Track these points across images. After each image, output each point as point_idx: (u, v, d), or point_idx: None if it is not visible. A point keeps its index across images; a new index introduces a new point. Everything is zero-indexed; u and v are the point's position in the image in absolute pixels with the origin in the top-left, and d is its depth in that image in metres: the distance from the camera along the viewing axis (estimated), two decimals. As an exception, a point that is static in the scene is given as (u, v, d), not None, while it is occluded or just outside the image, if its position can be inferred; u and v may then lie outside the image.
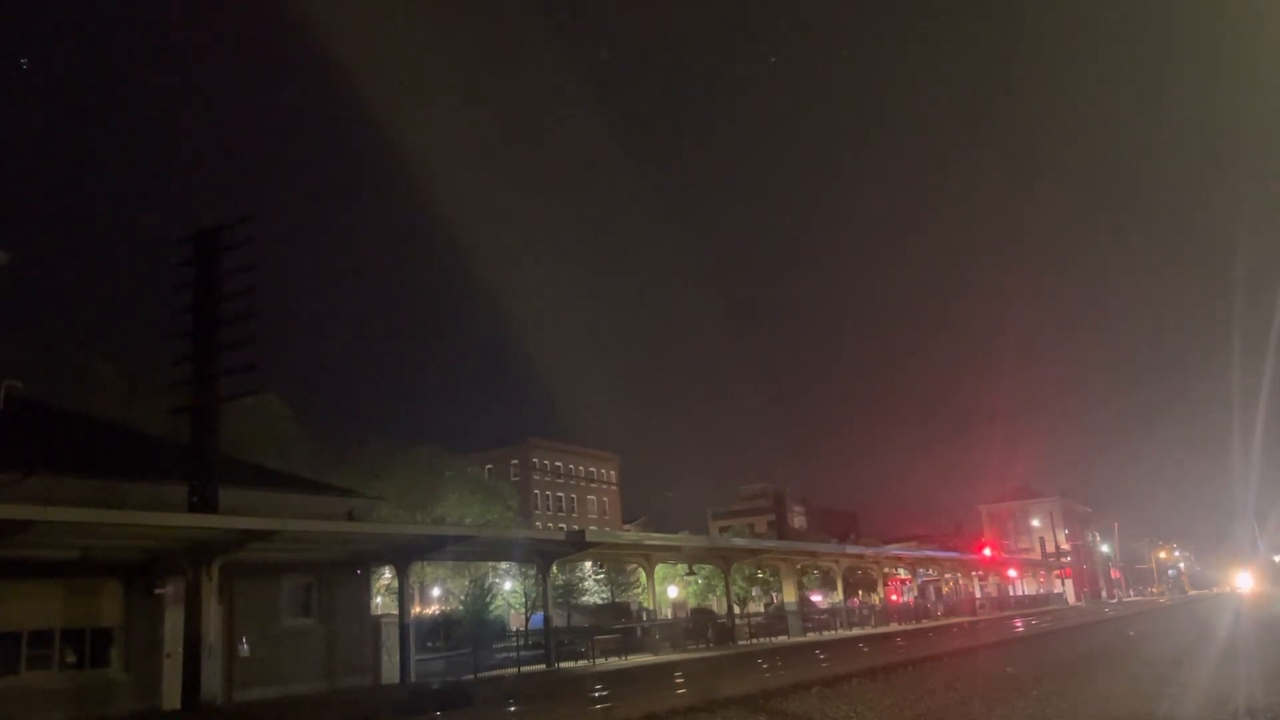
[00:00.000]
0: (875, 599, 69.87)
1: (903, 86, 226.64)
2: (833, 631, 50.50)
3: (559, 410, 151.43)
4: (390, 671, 29.33)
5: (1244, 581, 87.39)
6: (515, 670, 31.24)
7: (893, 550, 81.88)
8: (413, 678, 29.05)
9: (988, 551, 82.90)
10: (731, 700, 20.10)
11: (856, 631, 51.00)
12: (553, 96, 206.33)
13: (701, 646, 40.69)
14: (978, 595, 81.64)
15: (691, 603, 64.68)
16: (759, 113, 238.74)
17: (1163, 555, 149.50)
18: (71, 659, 22.39)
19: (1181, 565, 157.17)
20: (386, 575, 42.90)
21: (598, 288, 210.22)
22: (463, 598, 54.60)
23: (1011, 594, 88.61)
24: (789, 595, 56.92)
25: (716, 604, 63.36)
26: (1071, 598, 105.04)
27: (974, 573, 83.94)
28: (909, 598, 75.46)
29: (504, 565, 53.00)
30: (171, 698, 23.00)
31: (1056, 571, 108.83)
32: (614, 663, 33.37)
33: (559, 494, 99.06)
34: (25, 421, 26.25)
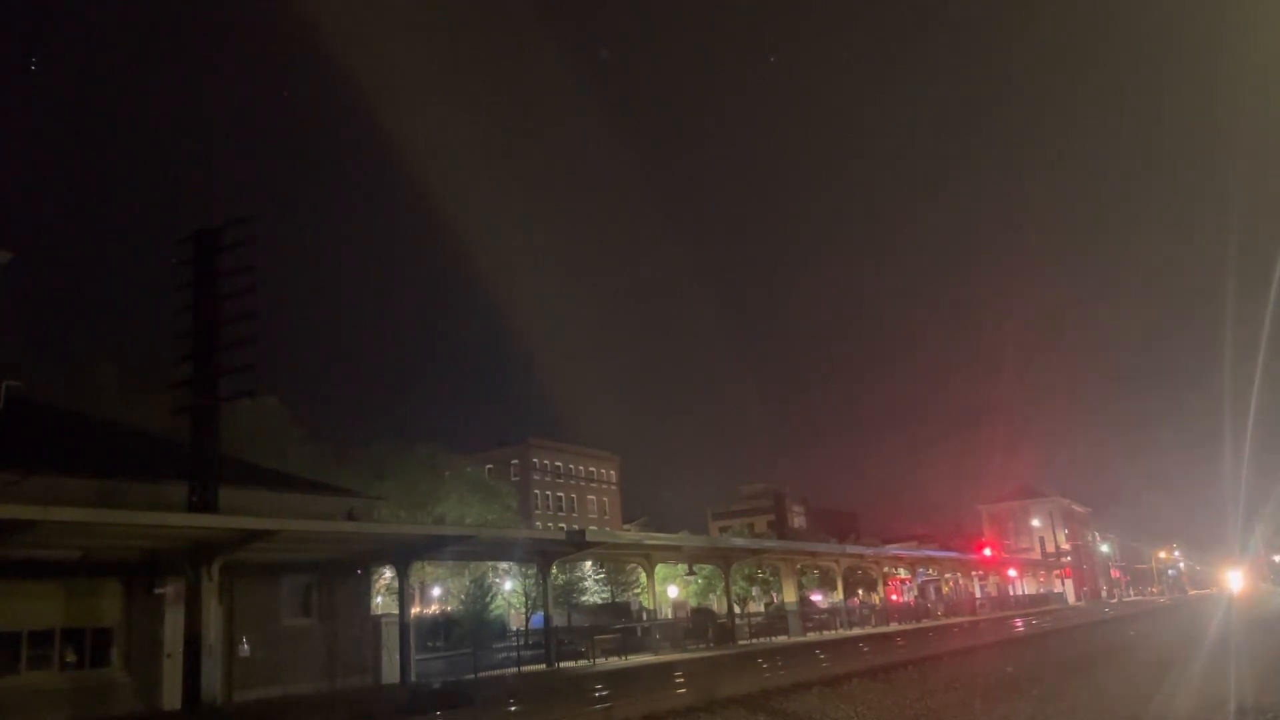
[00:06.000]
0: (875, 599, 69.87)
1: (902, 87, 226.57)
2: (833, 631, 50.47)
3: (559, 410, 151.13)
4: (390, 671, 29.31)
5: (1234, 581, 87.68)
6: (515, 670, 31.23)
7: (893, 550, 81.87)
8: (413, 678, 29.03)
9: (988, 551, 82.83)
10: (732, 700, 20.14)
11: (856, 631, 50.97)
12: (553, 96, 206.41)
13: (702, 646, 40.67)
14: (978, 595, 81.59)
15: (692, 602, 64.66)
16: (759, 112, 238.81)
17: (1162, 555, 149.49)
18: (71, 659, 22.40)
19: (1181, 565, 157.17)
20: (386, 575, 42.89)
21: (597, 287, 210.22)
22: (463, 598, 54.61)
23: (1011, 594, 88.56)
24: (789, 595, 56.89)
25: (716, 604, 63.34)
26: (1071, 597, 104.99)
27: (974, 572, 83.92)
28: (909, 597, 75.44)
29: (504, 565, 52.99)
30: (171, 698, 23.00)
31: (1056, 571, 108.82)
32: (614, 662, 33.35)
33: (559, 494, 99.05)
34: (25, 421, 26.25)
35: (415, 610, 49.43)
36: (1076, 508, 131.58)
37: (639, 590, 58.12)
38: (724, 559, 48.89)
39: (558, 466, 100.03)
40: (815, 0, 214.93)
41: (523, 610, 55.08)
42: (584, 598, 58.85)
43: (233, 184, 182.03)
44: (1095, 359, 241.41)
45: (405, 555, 30.79)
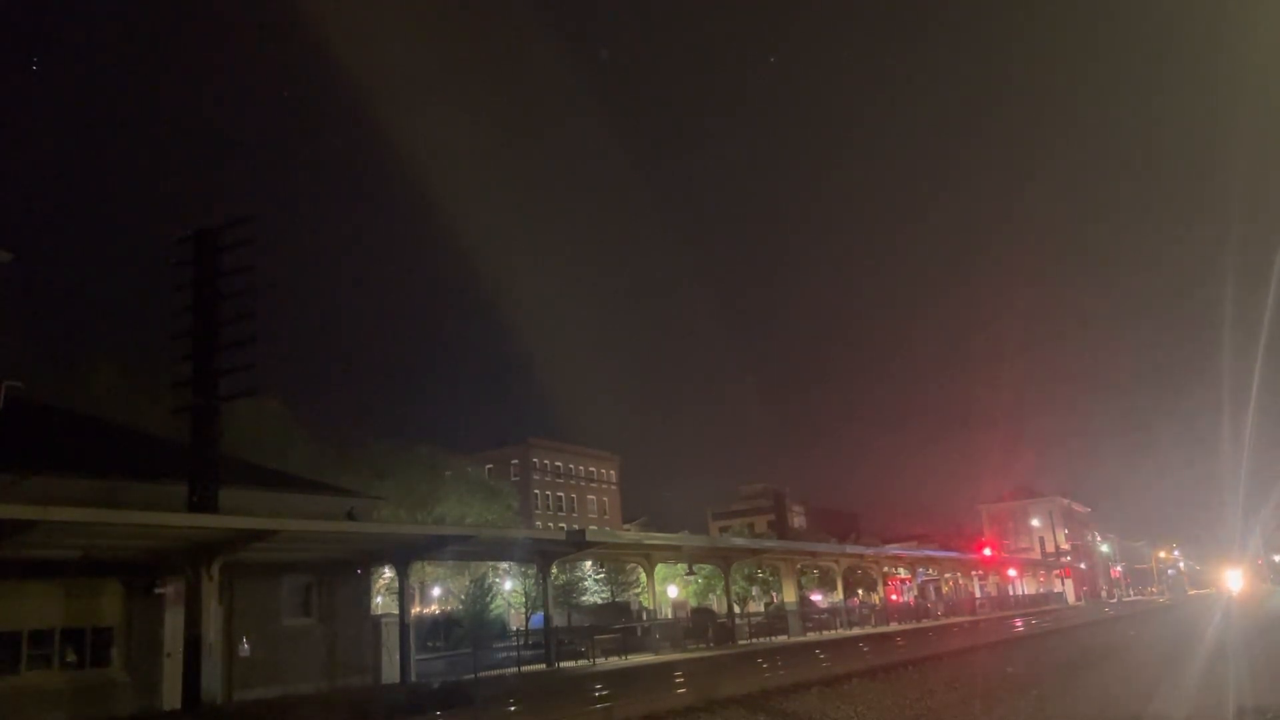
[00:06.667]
0: (875, 599, 69.86)
1: (902, 87, 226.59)
2: (833, 631, 50.47)
3: (559, 410, 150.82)
4: (390, 671, 29.32)
5: (1234, 581, 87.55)
6: (515, 670, 31.23)
7: (893, 550, 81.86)
8: (413, 677, 29.04)
9: (988, 551, 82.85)
10: (732, 700, 20.14)
11: (856, 631, 50.98)
12: (553, 96, 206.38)
13: (701, 646, 40.68)
14: (978, 595, 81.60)
15: (692, 602, 64.63)
16: (758, 113, 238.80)
17: (1162, 555, 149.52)
18: (71, 659, 22.40)
19: (1181, 565, 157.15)
20: (387, 575, 42.89)
21: (597, 288, 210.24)
22: (463, 598, 54.60)
23: (1011, 594, 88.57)
24: (789, 595, 56.89)
25: (716, 604, 63.32)
26: (1071, 597, 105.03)
27: (974, 572, 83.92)
28: (909, 597, 75.44)
29: (504, 565, 52.96)
30: (171, 698, 23.01)
31: (1056, 571, 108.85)
32: (614, 662, 33.35)
33: (559, 494, 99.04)
34: (25, 421, 26.25)
35: (415, 610, 49.43)
36: (1076, 507, 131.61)
37: (639, 590, 58.11)
38: (724, 559, 48.88)
39: (558, 466, 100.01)
40: (815, 0, 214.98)
41: (523, 610, 55.04)
42: (584, 598, 58.82)
43: (233, 184, 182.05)
44: (1095, 358, 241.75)
45: (405, 555, 30.80)
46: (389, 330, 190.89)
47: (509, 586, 57.25)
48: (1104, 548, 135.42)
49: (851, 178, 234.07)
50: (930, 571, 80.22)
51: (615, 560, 51.86)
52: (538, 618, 40.56)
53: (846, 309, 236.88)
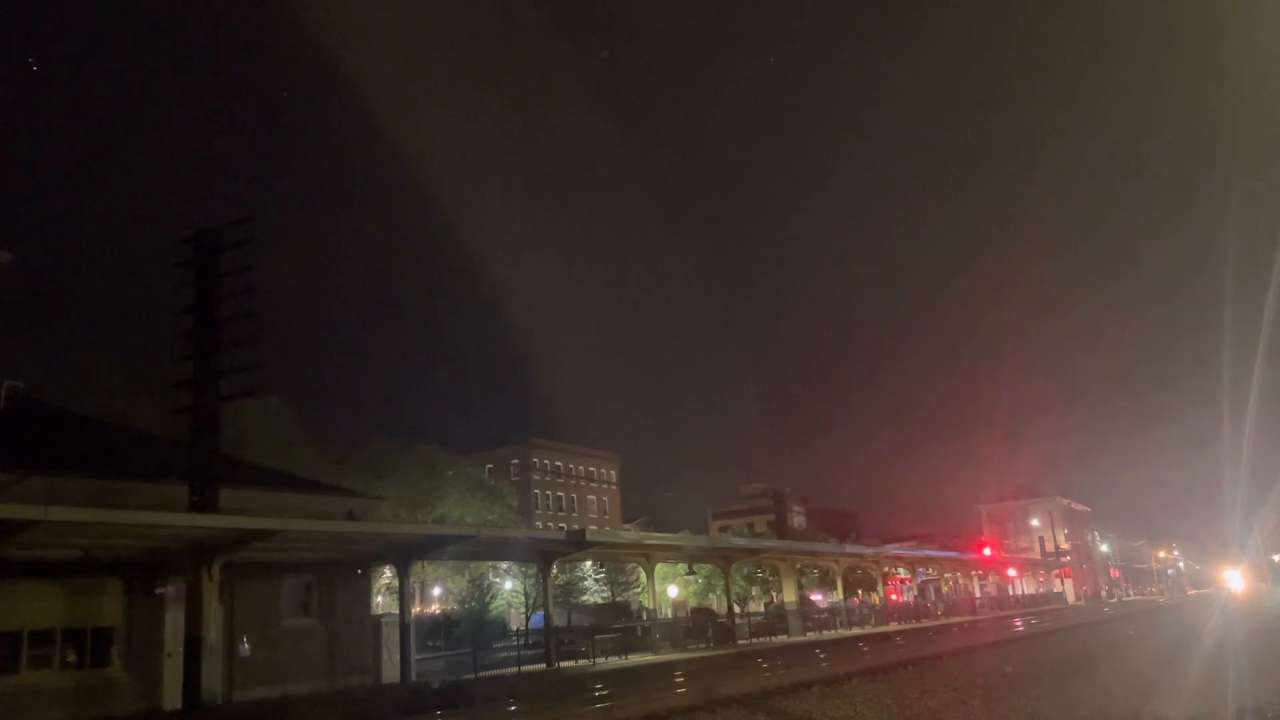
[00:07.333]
0: (875, 598, 69.87)
1: (900, 87, 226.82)
2: (833, 631, 50.49)
3: (559, 410, 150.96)
4: (390, 671, 29.34)
5: (1234, 581, 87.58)
6: (515, 670, 31.25)
7: (893, 550, 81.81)
8: (413, 677, 29.05)
9: (987, 551, 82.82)
10: (732, 700, 20.11)
11: (856, 631, 50.99)
12: (553, 96, 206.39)
13: (701, 646, 40.71)
14: (977, 595, 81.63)
15: (691, 602, 64.65)
16: (758, 112, 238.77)
17: (1161, 555, 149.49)
18: (72, 659, 22.41)
19: (1180, 565, 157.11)
20: (387, 575, 42.89)
21: (597, 288, 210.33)
22: (463, 597, 54.61)
23: (1011, 593, 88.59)
24: (789, 595, 56.90)
25: (716, 603, 63.35)
26: (1071, 597, 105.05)
27: (974, 572, 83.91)
28: (909, 597, 75.42)
29: (504, 565, 53.00)
30: (172, 698, 23.02)
31: (1056, 571, 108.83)
32: (614, 662, 33.39)
33: (559, 494, 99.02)
34: (25, 421, 26.27)
35: (415, 610, 49.38)
36: (1076, 507, 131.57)
37: (639, 590, 58.10)
38: (724, 559, 48.89)
39: (558, 466, 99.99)
40: (815, 0, 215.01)
41: (523, 610, 55.05)
42: (584, 597, 58.83)
43: (233, 184, 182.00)
44: (1094, 357, 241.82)
45: (405, 555, 30.81)
46: (389, 330, 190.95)
47: (509, 586, 57.24)
48: (1104, 547, 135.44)
49: (851, 177, 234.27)
50: (930, 571, 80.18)
51: (615, 560, 51.90)
52: (538, 617, 40.59)
53: (846, 308, 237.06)
